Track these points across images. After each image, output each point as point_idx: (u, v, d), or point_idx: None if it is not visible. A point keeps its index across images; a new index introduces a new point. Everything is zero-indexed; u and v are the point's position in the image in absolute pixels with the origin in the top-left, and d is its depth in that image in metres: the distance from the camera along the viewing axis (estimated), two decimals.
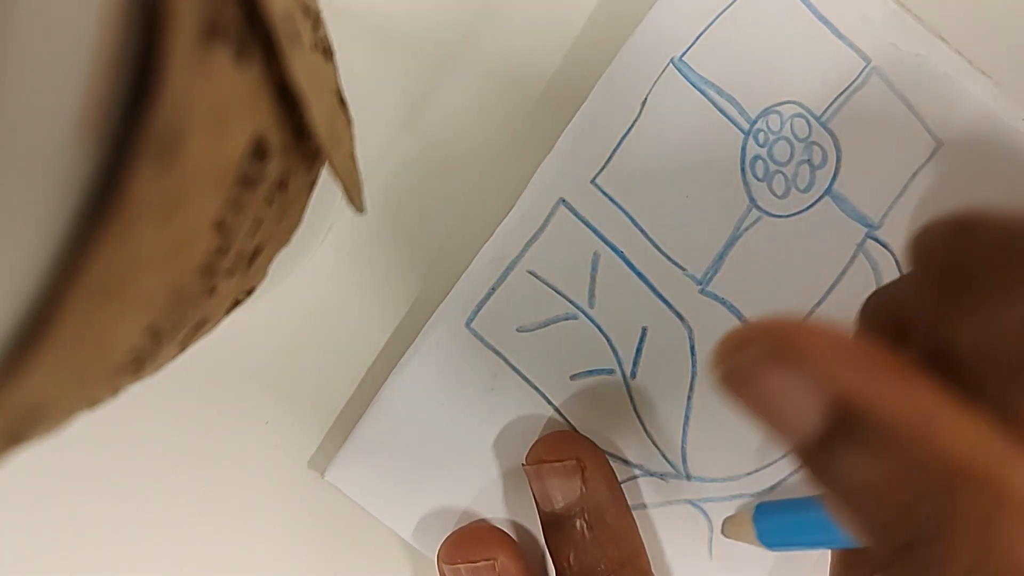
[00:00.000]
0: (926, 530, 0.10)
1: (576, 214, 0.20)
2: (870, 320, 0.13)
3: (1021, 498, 0.09)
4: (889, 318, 0.12)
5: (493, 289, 0.20)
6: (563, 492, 0.19)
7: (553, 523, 0.19)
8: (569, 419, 0.20)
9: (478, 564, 0.19)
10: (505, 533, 0.20)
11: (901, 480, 0.10)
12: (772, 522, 0.19)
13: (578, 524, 0.19)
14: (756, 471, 0.20)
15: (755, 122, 0.19)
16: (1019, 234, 0.10)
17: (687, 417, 0.20)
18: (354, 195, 0.13)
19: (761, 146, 0.19)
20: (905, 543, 0.10)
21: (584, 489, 0.19)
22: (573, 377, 0.20)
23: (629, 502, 0.20)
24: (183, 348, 0.13)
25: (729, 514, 0.20)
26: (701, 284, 0.20)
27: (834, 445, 0.10)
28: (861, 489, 0.10)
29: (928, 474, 0.09)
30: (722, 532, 0.20)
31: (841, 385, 0.10)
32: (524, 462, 0.20)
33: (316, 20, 0.12)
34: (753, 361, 0.11)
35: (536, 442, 0.20)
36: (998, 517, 0.09)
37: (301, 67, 0.10)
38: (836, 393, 0.10)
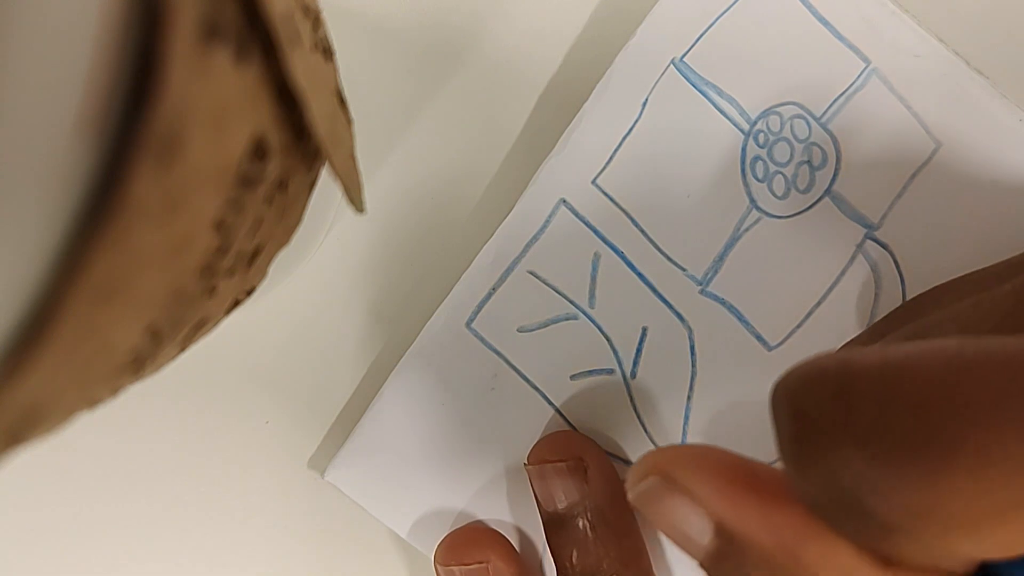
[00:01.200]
0: None
1: (577, 214, 0.20)
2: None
3: None
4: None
5: (494, 289, 0.20)
6: (565, 492, 0.19)
7: (555, 523, 0.19)
8: (569, 419, 0.20)
9: (471, 567, 0.19)
10: (500, 535, 0.20)
11: None
12: None
13: (580, 524, 0.19)
14: None
15: (755, 123, 0.19)
16: (850, 382, 0.10)
17: (687, 417, 0.20)
18: (354, 195, 0.13)
19: (761, 147, 0.19)
20: None
21: (587, 489, 0.19)
22: (573, 377, 0.20)
23: None
24: (183, 348, 0.13)
25: None
26: (701, 284, 0.20)
27: (724, 561, 0.12)
28: None
29: None
30: None
31: (717, 516, 0.11)
32: (526, 462, 0.20)
33: (316, 20, 0.12)
34: (650, 492, 0.12)
35: (538, 442, 0.20)
36: None
37: (301, 67, 0.10)
38: (715, 521, 0.11)
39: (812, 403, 0.10)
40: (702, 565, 0.12)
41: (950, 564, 0.10)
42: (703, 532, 0.12)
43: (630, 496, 0.13)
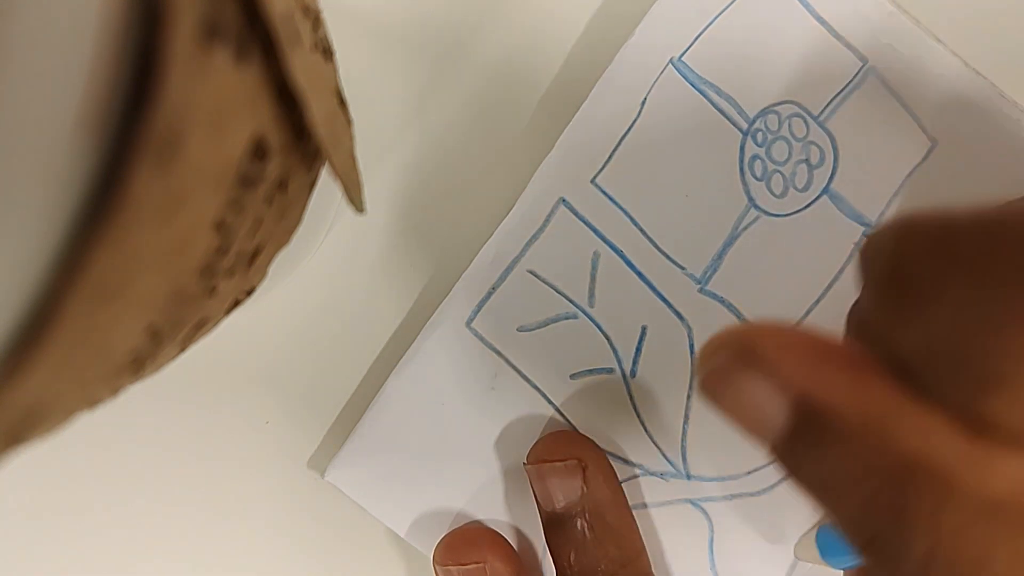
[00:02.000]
0: (885, 523, 0.10)
1: (576, 214, 0.20)
2: (850, 327, 0.13)
3: (968, 488, 0.10)
4: (859, 325, 0.13)
5: (493, 289, 0.20)
6: (564, 491, 0.19)
7: (554, 522, 0.19)
8: (569, 418, 0.20)
9: (469, 567, 0.19)
10: (498, 535, 0.20)
11: (861, 475, 0.10)
12: (834, 542, 0.19)
13: (579, 524, 0.19)
14: (756, 470, 0.20)
15: (753, 122, 0.19)
16: (951, 234, 0.10)
17: (687, 416, 0.20)
18: (354, 195, 0.13)
19: (759, 146, 0.19)
20: (871, 536, 0.10)
21: (585, 489, 0.19)
22: (573, 376, 0.20)
23: (629, 501, 0.20)
24: (183, 348, 0.13)
25: (729, 515, 0.20)
26: (700, 283, 0.20)
27: (800, 443, 0.11)
28: (828, 484, 0.11)
29: (884, 469, 0.10)
30: (795, 554, 0.20)
31: (800, 387, 0.11)
32: (525, 461, 0.20)
33: (316, 20, 0.12)
34: (722, 366, 0.11)
35: (537, 442, 0.20)
36: (947, 508, 0.10)
37: (301, 67, 0.10)
38: (796, 394, 0.11)
39: (914, 254, 0.10)
40: (772, 448, 0.11)
41: None
42: (778, 410, 0.11)
43: (700, 375, 0.12)
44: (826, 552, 0.18)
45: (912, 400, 0.10)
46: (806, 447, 0.11)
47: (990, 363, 0.09)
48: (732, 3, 0.19)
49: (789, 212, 0.20)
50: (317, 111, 0.11)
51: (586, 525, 0.19)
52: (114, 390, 0.11)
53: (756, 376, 0.11)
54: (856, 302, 0.13)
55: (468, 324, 0.20)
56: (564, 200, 0.20)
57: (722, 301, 0.20)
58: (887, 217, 0.19)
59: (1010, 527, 0.09)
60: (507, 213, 0.20)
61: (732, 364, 0.11)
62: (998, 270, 0.09)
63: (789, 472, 0.11)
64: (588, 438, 0.20)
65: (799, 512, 0.20)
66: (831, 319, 0.20)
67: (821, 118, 0.19)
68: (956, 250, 0.10)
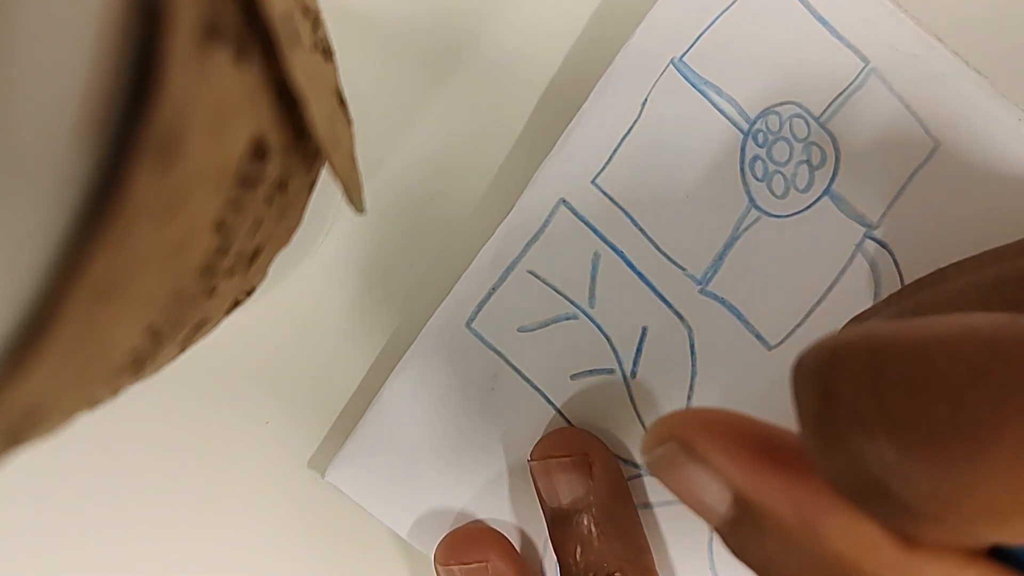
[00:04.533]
0: None
1: (576, 214, 0.20)
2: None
3: None
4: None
5: (494, 289, 0.20)
6: (570, 488, 0.19)
7: (559, 519, 0.19)
8: (570, 419, 0.20)
9: (471, 566, 0.19)
10: (500, 534, 0.20)
11: (796, 568, 0.11)
12: None
13: (585, 520, 0.19)
14: None
15: (754, 122, 0.19)
16: (880, 363, 0.10)
17: None
18: (354, 195, 0.13)
19: (760, 146, 0.19)
20: None
21: (591, 485, 0.19)
22: (573, 377, 0.20)
23: None
24: (183, 348, 0.13)
25: None
26: (701, 284, 0.20)
27: (740, 529, 0.11)
28: (766, 569, 0.11)
29: (818, 567, 0.11)
30: None
31: (734, 484, 0.11)
32: (529, 458, 0.20)
33: (316, 20, 0.12)
34: (667, 458, 0.12)
35: (542, 438, 0.20)
36: None
37: (301, 67, 0.10)
38: (733, 489, 0.11)
39: (839, 383, 0.10)
40: (718, 531, 0.12)
41: (972, 543, 0.10)
42: (720, 500, 0.11)
43: (645, 461, 0.12)
44: None
45: (844, 503, 0.11)
46: (746, 535, 0.11)
47: (913, 502, 0.10)
48: (733, 3, 0.19)
49: (790, 213, 0.20)
50: (317, 111, 0.11)
51: (592, 521, 0.19)
52: (114, 390, 0.11)
53: (697, 470, 0.12)
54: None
55: (468, 324, 0.20)
56: (564, 200, 0.20)
57: (723, 302, 0.20)
58: (887, 218, 0.19)
59: None
60: (507, 213, 0.20)
61: (674, 456, 0.12)
62: (925, 411, 0.09)
63: (733, 553, 0.12)
64: (593, 435, 0.20)
65: None
66: (832, 320, 0.20)
67: (822, 119, 0.19)
68: (883, 383, 0.10)
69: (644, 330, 0.20)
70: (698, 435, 0.12)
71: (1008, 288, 0.13)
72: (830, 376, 0.10)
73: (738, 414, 0.12)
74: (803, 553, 0.11)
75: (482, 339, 0.20)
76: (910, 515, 0.10)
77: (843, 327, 0.14)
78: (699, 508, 0.12)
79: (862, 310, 0.17)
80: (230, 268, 0.11)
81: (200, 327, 0.13)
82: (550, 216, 0.20)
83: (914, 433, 0.09)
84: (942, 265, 0.17)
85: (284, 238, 0.14)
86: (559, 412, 0.20)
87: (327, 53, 0.13)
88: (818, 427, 0.11)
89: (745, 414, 0.12)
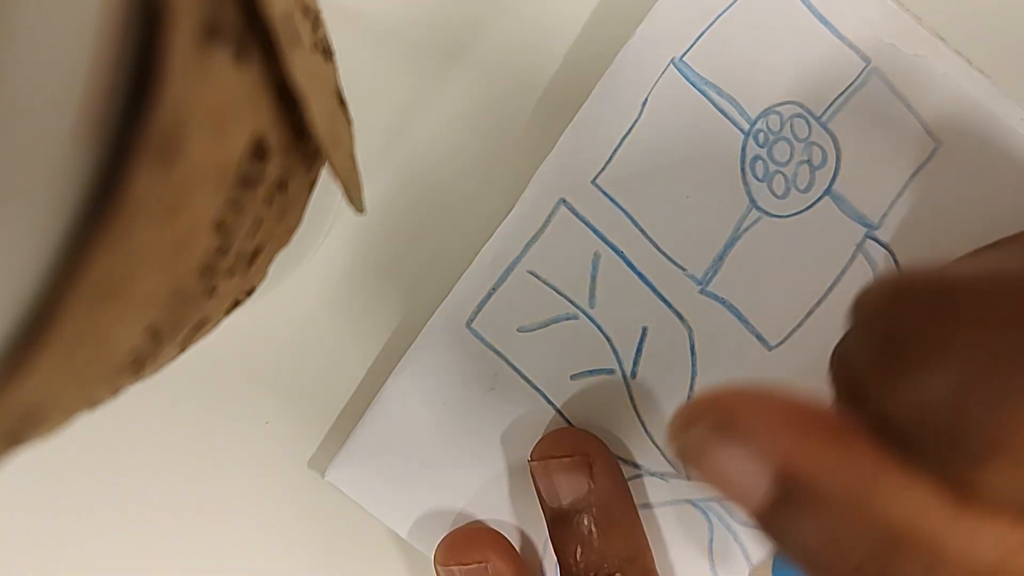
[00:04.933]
0: None
1: (577, 214, 0.20)
2: (835, 372, 0.13)
3: (956, 559, 0.10)
4: (846, 374, 0.12)
5: (494, 289, 0.20)
6: (571, 488, 0.19)
7: (559, 519, 0.19)
8: (570, 419, 0.20)
9: (471, 566, 0.19)
10: (500, 535, 0.20)
11: (847, 545, 0.10)
12: (789, 573, 0.19)
13: (585, 520, 0.19)
14: None
15: (755, 122, 0.19)
16: (949, 298, 0.10)
17: None
18: (354, 195, 0.13)
19: (761, 146, 0.19)
20: None
21: (592, 485, 0.19)
22: (573, 377, 0.20)
23: None
24: (183, 348, 0.13)
25: (732, 520, 0.20)
26: (701, 284, 0.20)
27: (784, 511, 0.11)
28: (813, 553, 0.11)
29: (869, 539, 0.10)
30: None
31: (782, 458, 0.11)
32: (530, 458, 0.20)
33: (316, 20, 0.12)
34: (700, 439, 0.11)
35: (542, 438, 0.20)
36: None
37: (301, 67, 0.10)
38: (778, 465, 0.11)
39: (908, 315, 0.10)
40: (755, 515, 0.11)
41: None
42: (760, 481, 0.11)
43: (673, 447, 0.12)
44: None
45: (898, 467, 0.10)
46: (790, 517, 0.11)
47: (984, 434, 0.09)
48: (734, 3, 0.19)
49: (791, 213, 0.20)
50: (317, 111, 0.11)
51: (592, 521, 0.19)
52: (114, 390, 0.11)
53: (735, 449, 0.11)
54: (841, 345, 0.12)
55: (468, 324, 0.20)
56: (564, 201, 0.20)
57: (723, 302, 0.20)
58: (888, 218, 0.19)
59: None
60: (507, 213, 0.20)
61: (711, 436, 0.11)
62: (994, 340, 0.09)
63: (773, 540, 0.11)
64: (593, 435, 0.20)
65: None
66: (832, 320, 0.20)
67: (823, 119, 0.19)
68: (953, 317, 0.10)
69: (644, 330, 0.20)
70: (739, 410, 0.11)
71: None
72: (898, 308, 0.10)
73: (770, 388, 0.11)
74: (853, 527, 0.10)
75: (482, 339, 0.20)
76: (975, 456, 0.09)
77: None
78: (736, 492, 0.11)
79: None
80: (230, 268, 0.11)
81: (200, 327, 0.13)
82: (550, 216, 0.20)
83: (986, 363, 0.09)
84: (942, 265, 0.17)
85: (284, 238, 0.14)
86: (559, 412, 0.20)
87: (327, 53, 0.13)
88: (885, 361, 0.10)
89: (776, 387, 0.11)
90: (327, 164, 0.12)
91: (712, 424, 0.11)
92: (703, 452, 0.11)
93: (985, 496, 0.10)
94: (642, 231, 0.20)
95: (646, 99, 0.20)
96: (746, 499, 0.11)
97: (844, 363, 0.12)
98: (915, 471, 0.10)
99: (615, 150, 0.20)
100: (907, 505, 0.10)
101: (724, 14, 0.19)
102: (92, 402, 0.11)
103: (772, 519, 0.11)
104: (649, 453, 0.20)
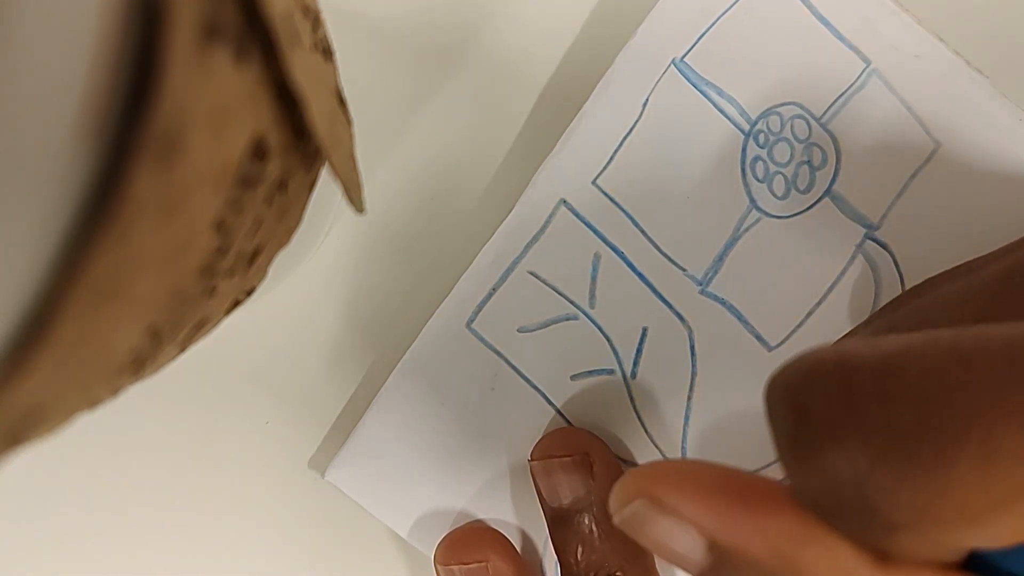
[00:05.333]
0: None
1: (577, 215, 0.20)
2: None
3: None
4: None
5: (494, 289, 0.20)
6: (571, 487, 0.19)
7: (559, 519, 0.19)
8: (569, 419, 0.20)
9: (471, 566, 0.19)
10: (500, 534, 0.20)
11: None
12: None
13: (586, 520, 0.19)
14: (756, 471, 0.20)
15: (755, 123, 0.19)
16: (850, 378, 0.10)
17: (687, 417, 0.20)
18: (354, 195, 0.13)
19: (761, 147, 0.19)
20: None
21: (592, 485, 0.19)
22: (574, 377, 0.20)
23: None
24: (183, 348, 0.13)
25: None
26: (701, 285, 0.20)
27: (720, 574, 0.12)
28: None
29: None
30: None
31: (706, 532, 0.11)
32: (530, 458, 0.20)
33: (316, 20, 0.12)
34: (637, 515, 0.12)
35: (543, 438, 0.20)
36: None
37: (301, 67, 0.10)
38: (706, 535, 0.11)
39: (811, 399, 0.10)
40: None
41: (946, 555, 0.10)
42: (695, 548, 0.12)
43: (616, 520, 0.13)
44: None
45: (821, 532, 0.11)
46: None
47: (890, 510, 0.10)
48: (734, 3, 0.19)
49: (791, 214, 0.20)
50: (317, 111, 0.11)
51: (593, 521, 0.19)
52: (114, 390, 0.11)
53: (666, 522, 0.12)
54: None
55: (468, 325, 0.20)
56: (565, 201, 0.20)
57: (723, 303, 0.20)
58: (887, 219, 0.19)
59: None
60: (507, 214, 0.20)
61: (644, 512, 0.12)
62: (893, 420, 0.10)
63: None
64: (593, 434, 0.20)
65: None
66: (832, 321, 0.20)
67: (823, 119, 0.19)
68: (855, 397, 0.10)
69: (644, 330, 0.20)
70: (664, 488, 0.12)
71: (973, 301, 0.13)
72: (803, 392, 0.11)
73: (702, 462, 0.12)
74: None
75: (482, 339, 0.20)
76: (886, 527, 0.10)
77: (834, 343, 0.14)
78: (675, 560, 0.12)
79: (859, 321, 0.17)
80: (230, 268, 0.11)
81: (200, 327, 0.13)
82: (550, 216, 0.20)
83: (886, 441, 0.10)
84: (942, 265, 0.17)
85: (284, 238, 0.14)
86: (559, 412, 0.20)
87: (327, 53, 0.13)
88: (793, 443, 0.11)
89: (708, 461, 0.12)
90: (327, 164, 0.12)
91: (644, 502, 0.12)
92: (641, 526, 0.12)
93: (903, 556, 0.10)
94: (642, 231, 0.20)
95: (647, 99, 0.20)
96: (687, 565, 0.12)
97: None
98: (838, 536, 0.11)
99: (615, 150, 0.20)
100: (832, 568, 0.11)
101: (725, 15, 0.19)
102: (92, 402, 0.11)
103: None
104: (649, 453, 0.20)
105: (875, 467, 0.10)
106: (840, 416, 0.10)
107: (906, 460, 0.09)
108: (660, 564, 0.20)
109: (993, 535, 0.10)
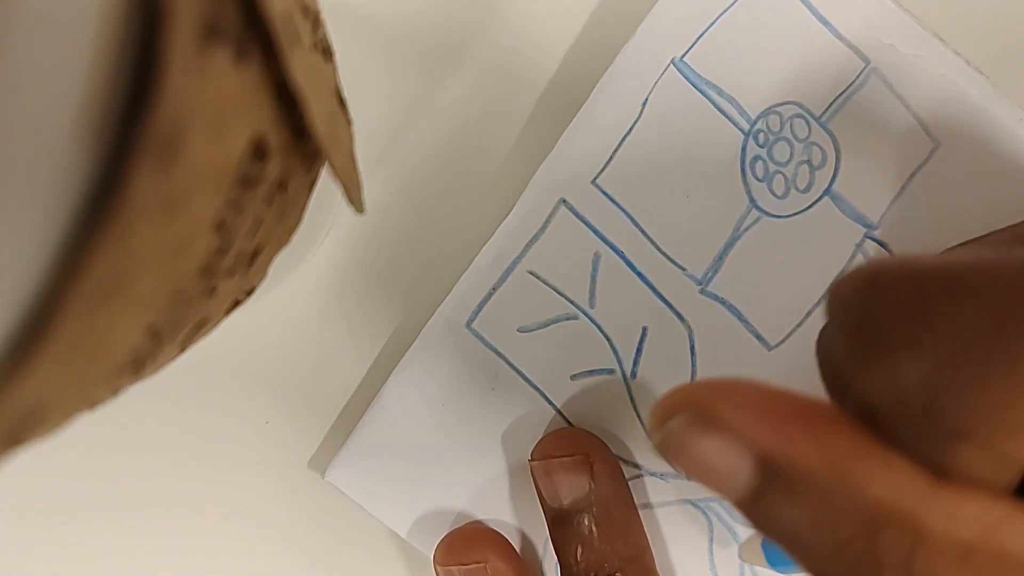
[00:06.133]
0: (857, 570, 0.10)
1: (577, 214, 0.20)
2: (819, 362, 0.13)
3: (938, 535, 0.10)
4: (827, 363, 0.12)
5: (494, 289, 0.20)
6: (571, 487, 0.19)
7: (559, 519, 0.19)
8: (570, 419, 0.20)
9: (470, 566, 0.19)
10: (499, 535, 0.20)
11: (830, 526, 0.10)
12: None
13: (586, 520, 0.19)
14: None
15: (755, 122, 0.19)
16: (921, 285, 0.10)
17: None
18: (354, 195, 0.13)
19: (761, 146, 0.19)
20: None
21: (592, 485, 0.19)
22: (574, 377, 0.20)
23: None
24: (183, 348, 0.13)
25: (732, 520, 0.20)
26: (701, 284, 0.20)
27: (767, 498, 0.11)
28: (797, 537, 0.11)
29: (852, 519, 0.10)
30: (739, 557, 0.20)
31: (760, 446, 0.11)
32: (530, 458, 0.20)
33: (316, 20, 0.12)
34: (680, 432, 0.11)
35: (542, 438, 0.20)
36: (918, 555, 0.10)
37: (301, 67, 0.10)
38: (759, 454, 0.11)
39: (882, 302, 0.10)
40: (738, 504, 0.11)
41: (1004, 476, 0.10)
42: (739, 471, 0.11)
43: (655, 439, 0.12)
44: (771, 557, 0.18)
45: (877, 448, 0.10)
46: (773, 503, 0.11)
47: (955, 419, 0.10)
48: (734, 3, 0.19)
49: (791, 213, 0.20)
50: (317, 111, 0.11)
51: (593, 521, 0.19)
52: (114, 390, 0.11)
53: (716, 439, 0.11)
54: (821, 335, 0.13)
55: (468, 325, 0.20)
56: (565, 201, 0.20)
57: (723, 302, 0.20)
58: (887, 219, 0.19)
59: (980, 569, 0.10)
60: (507, 214, 0.20)
61: (690, 428, 0.11)
62: (966, 325, 0.09)
63: (758, 527, 0.11)
64: (593, 435, 0.20)
65: None
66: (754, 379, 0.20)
67: (823, 119, 0.19)
68: (926, 303, 0.10)
69: (644, 330, 0.20)
70: (715, 400, 0.11)
71: None
72: (873, 296, 0.10)
73: (748, 380, 0.12)
74: (836, 509, 0.10)
75: (482, 339, 0.20)
76: (950, 435, 0.10)
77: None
78: (717, 482, 0.11)
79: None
80: (230, 268, 0.11)
81: (200, 327, 0.13)
82: (550, 216, 0.20)
83: (959, 344, 0.09)
84: None
85: (284, 238, 0.14)
86: (559, 412, 0.20)
87: (327, 53, 0.13)
88: (861, 346, 0.10)
89: (756, 380, 0.12)
90: (327, 164, 0.12)
91: (690, 416, 0.11)
92: (683, 444, 0.11)
93: (961, 475, 0.10)
94: (642, 231, 0.20)
95: (646, 99, 0.20)
96: (728, 489, 0.11)
97: (824, 352, 0.12)
98: (894, 453, 0.10)
99: (615, 150, 0.20)
100: (887, 485, 0.10)
101: (724, 14, 0.19)
102: (92, 402, 0.11)
103: (755, 507, 0.11)
104: (649, 453, 0.20)
105: (946, 370, 0.09)
106: (912, 321, 0.10)
107: (979, 364, 0.09)
108: (660, 564, 0.21)
109: None
